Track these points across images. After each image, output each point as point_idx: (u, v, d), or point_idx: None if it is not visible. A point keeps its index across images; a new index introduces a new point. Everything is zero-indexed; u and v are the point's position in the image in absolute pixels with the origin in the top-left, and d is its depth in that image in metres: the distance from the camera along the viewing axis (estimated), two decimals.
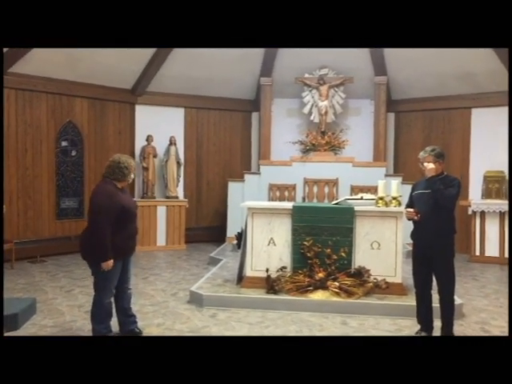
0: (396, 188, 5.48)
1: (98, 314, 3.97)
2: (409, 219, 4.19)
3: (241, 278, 5.81)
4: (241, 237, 5.97)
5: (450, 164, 9.12)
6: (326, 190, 8.98)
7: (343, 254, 5.39)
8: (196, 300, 5.36)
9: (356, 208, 5.44)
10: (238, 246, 5.97)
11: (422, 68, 8.79)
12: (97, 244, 3.80)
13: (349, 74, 9.15)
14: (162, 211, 8.92)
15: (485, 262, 8.00)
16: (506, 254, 7.76)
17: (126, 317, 4.24)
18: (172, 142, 9.04)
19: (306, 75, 9.25)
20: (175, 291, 5.96)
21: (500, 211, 8.00)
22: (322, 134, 9.16)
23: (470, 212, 8.47)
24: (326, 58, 8.99)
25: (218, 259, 7.51)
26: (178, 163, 9.13)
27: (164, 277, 6.81)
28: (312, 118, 9.30)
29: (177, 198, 9.12)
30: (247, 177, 9.20)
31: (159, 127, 9.10)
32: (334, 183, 8.95)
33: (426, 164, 4.08)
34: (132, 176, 4.08)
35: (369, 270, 5.34)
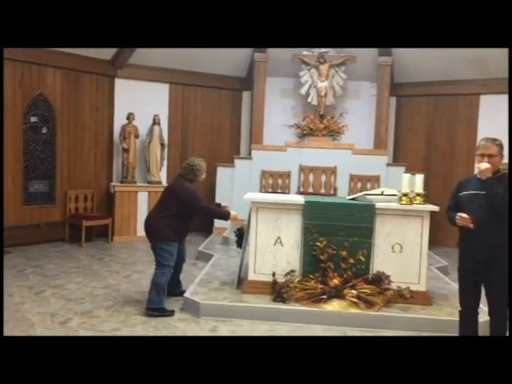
0: (421, 183, 4.82)
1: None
2: (458, 225, 3.49)
3: (240, 281, 5.09)
4: (241, 234, 5.22)
5: (455, 154, 8.61)
6: (323, 178, 8.30)
7: (361, 258, 4.71)
8: (191, 308, 4.62)
9: (377, 205, 4.75)
10: (239, 244, 5.23)
11: (430, 50, 8.10)
12: (215, 217, 5.39)
13: (350, 52, 8.40)
14: (143, 197, 8.07)
15: None
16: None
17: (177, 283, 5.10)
18: (156, 122, 8.16)
19: (305, 52, 8.46)
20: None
21: None
22: (321, 118, 8.42)
23: None
24: None
25: (208, 254, 6.76)
26: (162, 145, 8.27)
27: (149, 275, 5.94)
28: (310, 99, 8.54)
29: (160, 183, 8.26)
30: (237, 162, 8.42)
31: (141, 104, 8.18)
32: (332, 171, 8.27)
33: (481, 164, 3.38)
34: (203, 176, 4.81)
35: (389, 276, 4.69)
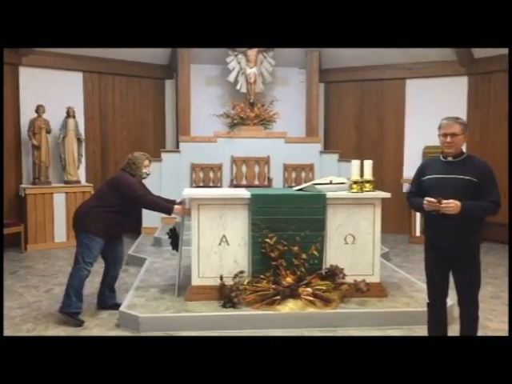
0: (370, 169, 4.58)
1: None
2: (427, 211, 3.22)
3: (180, 287, 4.58)
4: (175, 235, 4.70)
5: (384, 139, 8.61)
6: (257, 169, 7.93)
7: (315, 252, 4.38)
8: (129, 324, 4.03)
9: (328, 195, 4.44)
10: (174, 246, 4.70)
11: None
12: (156, 209, 4.47)
13: None
14: (59, 199, 7.23)
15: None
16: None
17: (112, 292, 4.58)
18: (70, 114, 7.32)
19: None
20: (94, 310, 4.53)
21: None
22: (251, 106, 8.03)
23: (404, 189, 8.00)
24: None
25: (140, 258, 6.15)
26: (79, 140, 7.45)
27: None
28: (238, 87, 8.11)
29: (78, 182, 7.47)
30: (165, 156, 7.82)
31: (52, 96, 7.32)
32: (265, 161, 7.92)
33: (446, 205, 3.08)
34: (144, 171, 4.48)
35: (343, 270, 4.41)
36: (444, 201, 3.03)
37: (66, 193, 7.26)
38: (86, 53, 7.62)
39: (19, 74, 7.25)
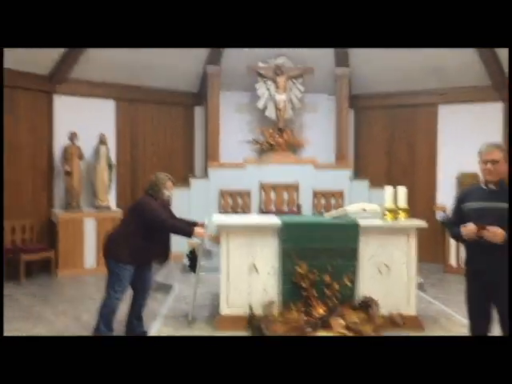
0: (404, 197, 4.45)
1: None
2: (466, 239, 3.08)
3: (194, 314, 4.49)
4: (194, 257, 4.62)
5: (415, 166, 8.44)
6: (286, 195, 7.85)
7: (347, 283, 4.25)
8: None
9: (361, 223, 4.31)
10: (191, 268, 4.63)
11: (387, 59, 7.92)
12: (178, 233, 4.34)
13: (307, 64, 8.08)
14: (90, 225, 7.28)
15: (461, 273, 7.26)
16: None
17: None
18: (102, 141, 7.43)
19: (260, 64, 8.06)
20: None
21: None
22: (280, 132, 8.01)
23: (438, 217, 7.79)
24: None
25: (168, 285, 6.09)
26: (110, 166, 7.54)
27: None
28: (267, 113, 8.12)
29: (108, 208, 7.52)
30: (193, 182, 7.84)
31: (85, 123, 7.45)
32: (294, 188, 7.83)
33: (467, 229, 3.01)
34: (166, 192, 4.33)
35: (377, 301, 4.25)
36: (490, 227, 2.90)
37: (97, 218, 7.31)
38: (119, 81, 7.78)
39: (53, 101, 7.43)
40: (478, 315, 3.17)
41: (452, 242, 7.43)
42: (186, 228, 4.27)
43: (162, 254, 4.36)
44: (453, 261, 7.44)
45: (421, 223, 4.37)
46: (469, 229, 2.98)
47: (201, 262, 4.55)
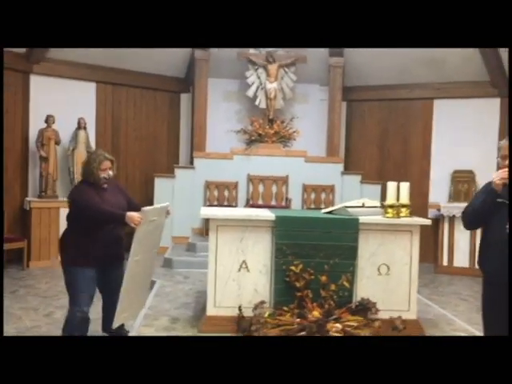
0: (407, 193, 4.14)
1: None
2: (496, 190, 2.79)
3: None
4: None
5: (408, 162, 8.17)
6: (274, 189, 7.51)
7: (345, 283, 3.93)
8: None
9: (361, 219, 3.99)
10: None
11: (383, 50, 7.58)
12: (109, 219, 3.40)
13: (300, 52, 7.73)
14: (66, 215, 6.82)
15: (453, 274, 7.05)
16: (477, 265, 6.89)
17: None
18: (81, 126, 6.98)
19: (252, 51, 7.67)
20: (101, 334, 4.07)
21: None
22: (270, 123, 7.65)
23: (430, 215, 7.53)
24: None
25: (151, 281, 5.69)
26: (89, 152, 7.07)
27: None
28: (257, 102, 7.75)
29: None
30: (178, 172, 7.44)
31: (63, 106, 6.97)
32: (283, 181, 7.50)
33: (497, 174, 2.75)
34: (101, 175, 3.44)
35: (376, 304, 3.94)
36: None
37: None
38: (101, 63, 7.33)
39: (30, 82, 6.94)
40: (493, 322, 2.89)
41: (445, 242, 7.21)
42: (118, 212, 3.40)
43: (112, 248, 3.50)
44: (445, 261, 7.21)
45: (425, 221, 4.08)
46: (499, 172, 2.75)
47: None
